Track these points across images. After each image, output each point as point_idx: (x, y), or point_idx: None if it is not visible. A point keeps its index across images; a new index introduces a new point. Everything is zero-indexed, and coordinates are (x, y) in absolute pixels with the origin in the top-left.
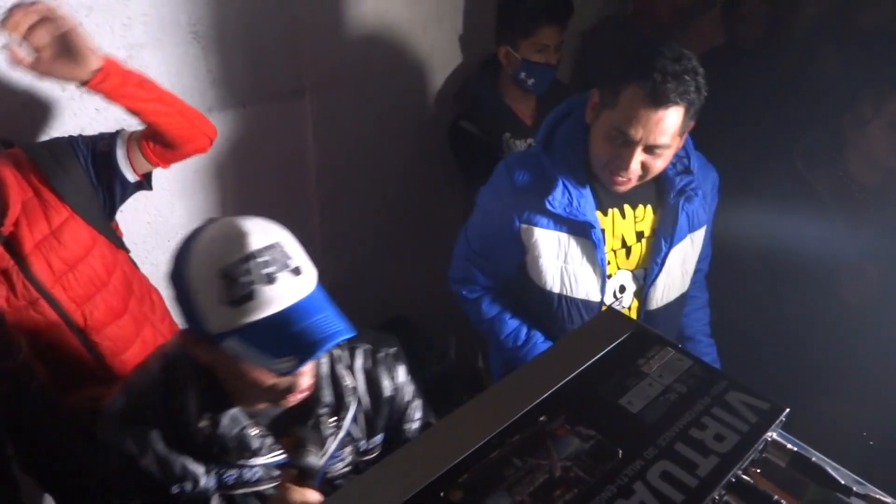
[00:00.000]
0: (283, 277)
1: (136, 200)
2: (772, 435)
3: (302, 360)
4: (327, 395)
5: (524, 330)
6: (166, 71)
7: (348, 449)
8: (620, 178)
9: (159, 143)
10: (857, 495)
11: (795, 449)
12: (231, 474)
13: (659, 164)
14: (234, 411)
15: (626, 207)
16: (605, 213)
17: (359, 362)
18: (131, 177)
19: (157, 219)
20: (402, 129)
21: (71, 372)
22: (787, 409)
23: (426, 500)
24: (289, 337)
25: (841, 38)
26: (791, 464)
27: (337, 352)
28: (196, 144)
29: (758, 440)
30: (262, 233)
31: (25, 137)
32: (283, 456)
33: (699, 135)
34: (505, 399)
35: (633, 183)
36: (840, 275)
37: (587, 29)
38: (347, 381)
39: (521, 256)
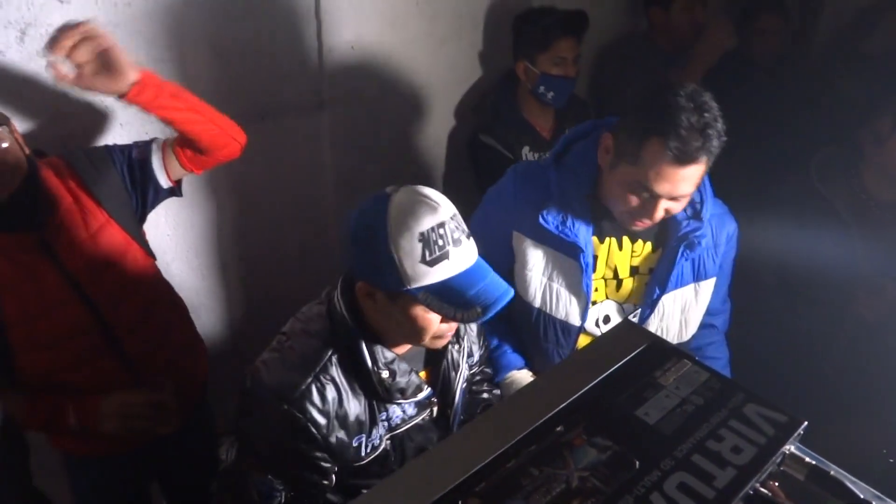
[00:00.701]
0: (465, 241)
1: (157, 214)
2: (790, 448)
3: (485, 313)
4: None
5: (495, 338)
6: (188, 84)
7: (466, 364)
8: (641, 223)
9: (193, 150)
10: None
11: (814, 462)
12: (397, 415)
13: (679, 208)
14: (398, 360)
15: (626, 239)
16: (602, 241)
17: None
18: (165, 182)
19: (177, 231)
20: (420, 143)
21: (97, 375)
22: (805, 423)
23: None
24: (473, 291)
25: (859, 55)
26: (809, 477)
27: None
28: (227, 150)
29: (776, 453)
30: (445, 203)
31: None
32: (430, 389)
33: None
34: (522, 409)
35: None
36: (857, 291)
37: (603, 44)
38: None
39: (509, 263)
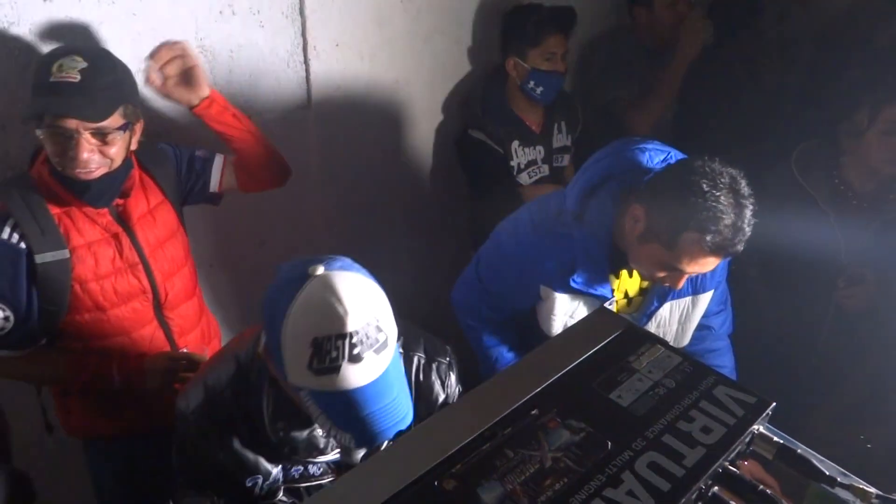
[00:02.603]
0: (368, 357)
1: None
2: (758, 428)
3: (358, 445)
4: None
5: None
6: None
7: None
8: (661, 284)
9: (245, 171)
10: (842, 486)
11: (782, 441)
12: (297, 469)
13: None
14: (303, 414)
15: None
16: (617, 276)
17: (413, 370)
18: (214, 186)
19: None
20: (407, 140)
21: (139, 342)
22: (774, 403)
23: (421, 489)
24: (356, 418)
25: (867, 45)
26: (778, 456)
27: None
28: (273, 179)
29: (744, 432)
30: (361, 311)
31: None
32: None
33: (698, 144)
34: (498, 393)
35: None
36: (837, 281)
37: (589, 40)
38: None
39: (531, 304)
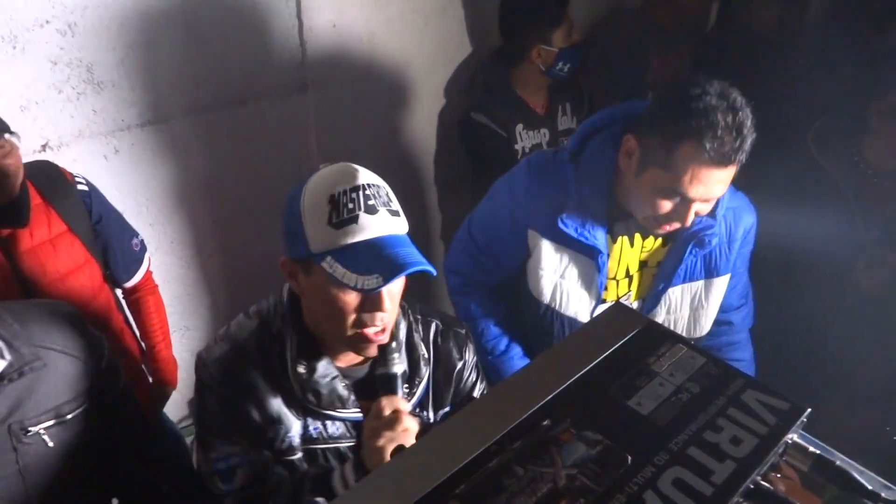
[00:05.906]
0: (383, 212)
1: (139, 204)
2: (793, 437)
3: (386, 280)
4: (403, 362)
5: (504, 340)
6: (166, 69)
7: (418, 417)
8: (670, 227)
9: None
10: (886, 501)
11: (818, 452)
12: (316, 426)
13: (708, 209)
14: (326, 361)
15: (637, 237)
16: (615, 240)
17: (431, 334)
18: (137, 278)
19: (159, 220)
20: (409, 124)
21: None
22: (809, 409)
23: None
24: (377, 258)
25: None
26: (814, 468)
27: (411, 321)
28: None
29: (778, 443)
30: (369, 175)
31: None
32: (362, 416)
33: None
34: (506, 402)
35: None
36: (857, 262)
37: (592, 21)
38: (422, 350)
39: (522, 258)
